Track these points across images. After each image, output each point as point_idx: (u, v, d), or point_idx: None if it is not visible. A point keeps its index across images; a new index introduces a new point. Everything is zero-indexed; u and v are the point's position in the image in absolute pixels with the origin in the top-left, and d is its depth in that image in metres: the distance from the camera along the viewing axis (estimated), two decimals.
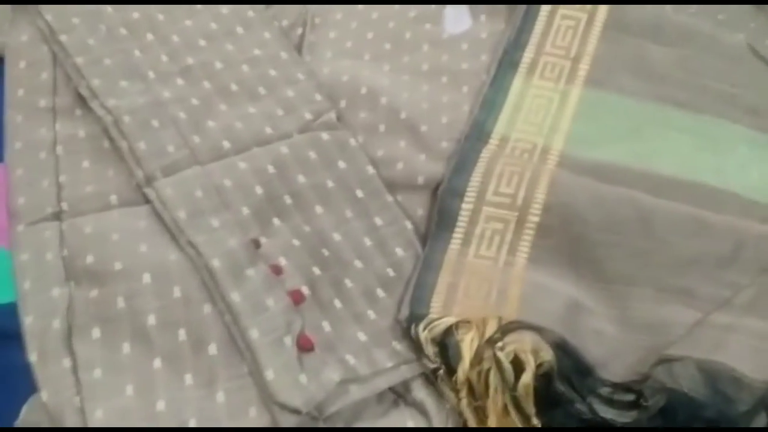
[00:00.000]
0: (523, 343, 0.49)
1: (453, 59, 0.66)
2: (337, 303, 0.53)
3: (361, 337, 0.52)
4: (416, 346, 0.51)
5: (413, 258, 0.56)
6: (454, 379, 0.49)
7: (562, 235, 0.54)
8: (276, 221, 0.56)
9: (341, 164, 0.59)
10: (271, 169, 0.58)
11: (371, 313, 0.53)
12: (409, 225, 0.58)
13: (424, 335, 0.50)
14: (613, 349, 0.51)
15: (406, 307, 0.52)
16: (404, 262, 0.56)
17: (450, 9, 0.70)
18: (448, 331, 0.50)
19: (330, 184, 0.58)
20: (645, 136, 0.60)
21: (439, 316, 0.51)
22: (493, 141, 0.60)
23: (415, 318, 0.51)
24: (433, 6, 0.69)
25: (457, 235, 0.55)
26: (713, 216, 0.55)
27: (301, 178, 0.58)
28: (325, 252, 0.55)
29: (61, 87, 0.63)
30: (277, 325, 0.50)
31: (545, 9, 0.65)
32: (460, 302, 0.52)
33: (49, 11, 0.64)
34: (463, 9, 0.70)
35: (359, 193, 0.58)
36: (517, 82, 0.62)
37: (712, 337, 0.50)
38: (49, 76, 0.63)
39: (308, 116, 0.62)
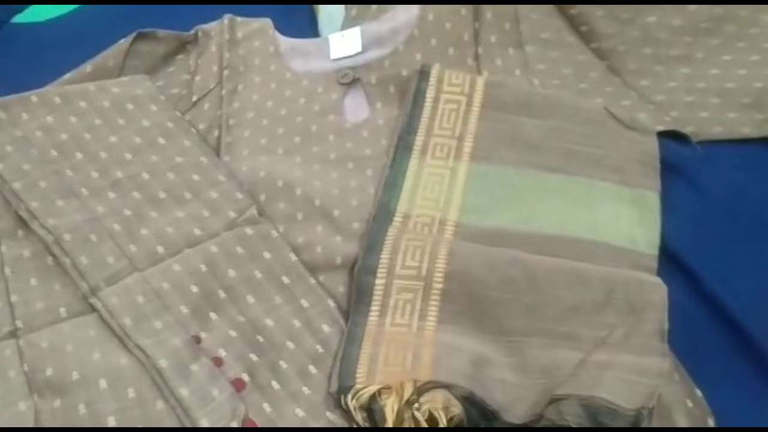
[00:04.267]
0: (435, 401, 0.55)
1: (356, 146, 0.73)
2: (275, 384, 0.58)
3: (299, 413, 0.57)
4: (347, 414, 0.57)
5: (339, 333, 0.61)
6: None
7: (464, 297, 0.61)
8: (213, 316, 0.61)
9: (266, 255, 0.64)
10: (203, 267, 0.63)
11: (306, 390, 0.58)
12: (332, 303, 0.63)
13: (352, 404, 0.56)
14: (515, 395, 0.57)
15: (335, 381, 0.58)
16: (331, 338, 0.61)
17: (349, 100, 0.77)
18: (373, 398, 0.56)
19: (258, 274, 0.63)
20: (526, 201, 0.67)
21: (364, 385, 0.57)
22: (397, 219, 0.66)
23: (343, 390, 0.57)
24: (333, 97, 0.76)
25: (374, 308, 0.61)
26: (588, 266, 0.62)
27: (231, 273, 0.63)
28: (260, 338, 0.60)
29: (2, 211, 0.68)
30: (224, 413, 0.55)
31: (430, 96, 0.73)
32: (381, 370, 0.58)
33: None
34: (361, 99, 0.77)
35: (285, 280, 0.64)
36: (413, 164, 0.70)
37: (592, 375, 0.56)
38: None
39: (232, 214, 0.67)
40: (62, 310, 0.63)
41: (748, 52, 0.78)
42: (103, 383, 0.57)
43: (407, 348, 0.59)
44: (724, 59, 0.78)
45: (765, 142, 0.74)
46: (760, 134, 0.74)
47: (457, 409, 0.55)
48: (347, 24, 0.84)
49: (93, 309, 0.62)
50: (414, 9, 0.80)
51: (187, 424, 0.55)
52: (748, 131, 0.75)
